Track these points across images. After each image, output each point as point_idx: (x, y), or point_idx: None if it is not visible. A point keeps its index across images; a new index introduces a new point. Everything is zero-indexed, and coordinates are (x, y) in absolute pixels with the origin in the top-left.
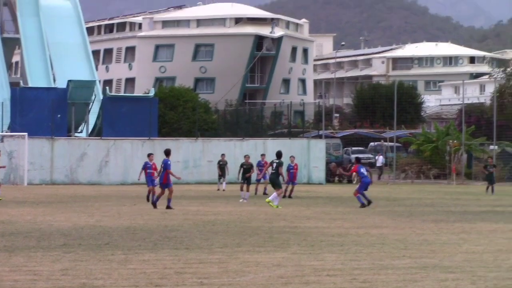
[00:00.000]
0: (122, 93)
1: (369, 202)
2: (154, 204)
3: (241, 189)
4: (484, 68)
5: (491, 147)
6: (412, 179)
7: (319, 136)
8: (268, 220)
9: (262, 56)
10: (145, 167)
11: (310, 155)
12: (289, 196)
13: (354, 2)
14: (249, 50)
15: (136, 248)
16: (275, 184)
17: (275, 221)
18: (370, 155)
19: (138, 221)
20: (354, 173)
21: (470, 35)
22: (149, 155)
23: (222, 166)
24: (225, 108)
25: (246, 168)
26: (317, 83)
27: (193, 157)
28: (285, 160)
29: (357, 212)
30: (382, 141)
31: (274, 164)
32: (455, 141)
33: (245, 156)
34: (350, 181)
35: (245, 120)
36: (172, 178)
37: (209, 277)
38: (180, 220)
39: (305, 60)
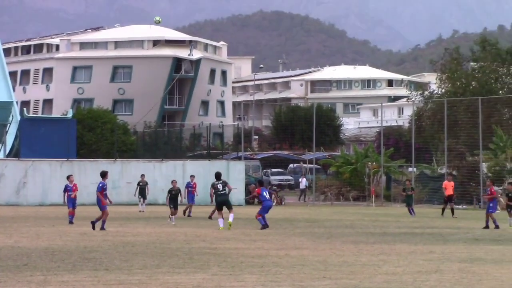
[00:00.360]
0: (40, 114)
1: (266, 226)
2: (102, 228)
3: (171, 214)
4: (402, 91)
5: (410, 169)
6: (332, 201)
7: (239, 158)
8: (188, 241)
9: (180, 78)
10: (66, 189)
11: (229, 176)
12: (189, 215)
13: (272, 25)
14: (167, 72)
15: (55, 269)
16: (228, 205)
17: (195, 242)
18: (289, 177)
19: (57, 242)
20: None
21: (388, 59)
22: (69, 176)
23: (142, 187)
24: (143, 129)
25: (175, 194)
26: (236, 105)
27: (112, 178)
28: (186, 179)
29: (277, 233)
30: (302, 163)
31: (220, 185)
32: (374, 163)
33: (172, 181)
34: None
35: (164, 141)
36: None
37: None
38: (99, 241)
39: (224, 82)
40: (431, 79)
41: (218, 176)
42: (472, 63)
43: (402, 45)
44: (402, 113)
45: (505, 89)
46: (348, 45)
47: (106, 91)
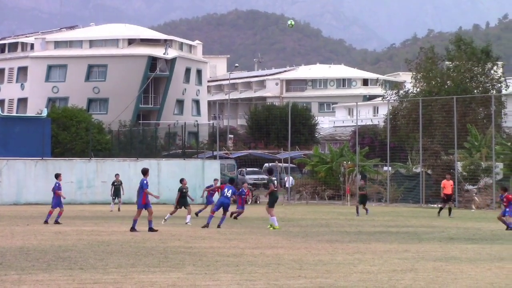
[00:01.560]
0: (14, 113)
1: (206, 226)
2: (133, 228)
3: (172, 213)
4: (377, 90)
5: (385, 168)
6: (307, 200)
7: (214, 157)
8: (163, 241)
9: (155, 77)
10: (59, 188)
11: (204, 175)
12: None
13: (247, 24)
14: (142, 71)
15: (29, 269)
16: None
17: (170, 241)
18: (264, 176)
19: (31, 241)
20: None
21: (363, 58)
22: (58, 175)
23: (117, 187)
24: (118, 128)
25: (185, 192)
26: (211, 104)
27: (87, 177)
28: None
29: (252, 232)
30: (277, 162)
31: (276, 182)
32: (349, 162)
33: (182, 180)
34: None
35: (139, 140)
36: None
37: None
38: (74, 240)
39: (199, 81)
40: (406, 78)
41: (270, 171)
42: (447, 62)
43: (378, 44)
44: (377, 112)
45: (480, 88)
46: (323, 44)
47: (81, 90)
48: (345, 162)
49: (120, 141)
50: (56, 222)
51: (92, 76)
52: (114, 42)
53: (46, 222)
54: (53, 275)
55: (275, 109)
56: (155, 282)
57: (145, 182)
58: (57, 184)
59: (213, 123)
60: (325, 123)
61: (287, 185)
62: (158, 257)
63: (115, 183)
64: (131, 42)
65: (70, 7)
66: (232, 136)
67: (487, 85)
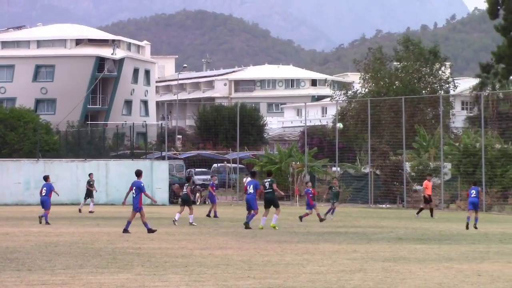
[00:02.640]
0: None
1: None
2: (126, 230)
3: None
4: (326, 90)
5: (334, 168)
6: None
7: (162, 158)
8: (111, 241)
9: (103, 77)
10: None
11: (153, 176)
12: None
13: (196, 24)
14: (90, 71)
15: None
16: (274, 204)
17: (118, 242)
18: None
19: None
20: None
21: (312, 58)
22: (47, 177)
23: (92, 185)
24: (66, 129)
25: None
26: (159, 104)
27: (35, 178)
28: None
29: (201, 233)
30: (225, 162)
31: (267, 183)
32: (298, 163)
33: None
34: (193, 202)
35: (87, 141)
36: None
37: None
38: (22, 241)
39: (147, 82)
40: (355, 78)
41: (269, 174)
42: (395, 63)
43: (326, 45)
44: (326, 113)
45: (428, 89)
46: (272, 44)
47: (28, 90)
48: (293, 163)
49: (68, 142)
50: (47, 222)
51: (40, 77)
52: (62, 42)
53: (47, 223)
54: (0, 276)
55: (224, 109)
56: (104, 283)
57: (142, 184)
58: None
59: (161, 124)
60: (273, 124)
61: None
62: (107, 258)
63: (91, 182)
64: (78, 42)
65: (18, 7)
66: (180, 136)
67: (435, 85)
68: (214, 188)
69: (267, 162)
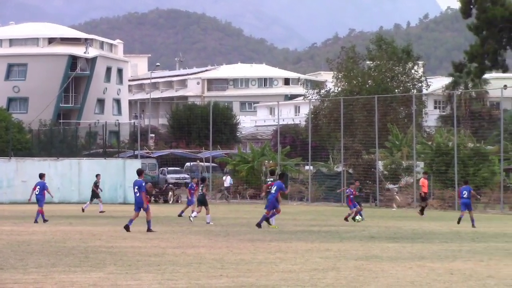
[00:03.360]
0: None
1: (265, 221)
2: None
3: (199, 212)
4: (299, 89)
5: (306, 167)
6: (228, 199)
7: (135, 156)
8: (84, 240)
9: (76, 76)
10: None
11: (125, 175)
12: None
13: (169, 23)
14: (63, 70)
15: None
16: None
17: (91, 241)
18: (186, 175)
19: None
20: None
21: (285, 57)
22: (43, 175)
23: (97, 187)
24: (39, 128)
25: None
26: (132, 103)
27: (7, 177)
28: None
29: (173, 232)
30: (198, 161)
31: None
32: (271, 162)
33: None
34: (166, 201)
35: (59, 140)
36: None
37: None
38: None
39: (120, 81)
40: (328, 77)
41: (272, 173)
42: (368, 62)
43: (299, 44)
44: (299, 112)
45: (401, 88)
46: (244, 43)
47: (0, 89)
48: (266, 161)
49: (40, 141)
50: (45, 220)
51: (12, 75)
52: (34, 41)
53: (45, 220)
54: None
55: (197, 108)
56: (76, 282)
57: (143, 184)
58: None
59: (134, 122)
60: (246, 123)
61: (225, 185)
62: (79, 256)
63: (97, 183)
64: (51, 41)
65: None
66: (153, 135)
67: (408, 84)
68: (192, 191)
69: (240, 161)
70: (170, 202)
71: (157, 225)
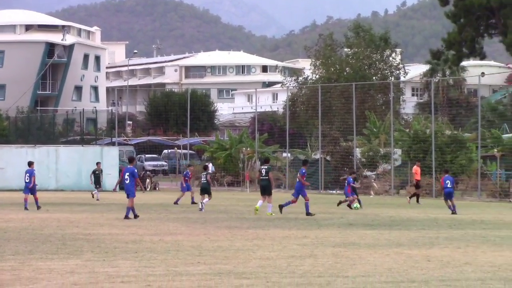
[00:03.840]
0: None
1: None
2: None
3: (202, 199)
4: (277, 77)
5: (284, 154)
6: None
7: (112, 143)
8: (61, 227)
9: (53, 63)
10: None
11: (103, 162)
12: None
13: (146, 10)
14: (40, 57)
15: None
16: (268, 191)
17: (68, 228)
18: (163, 163)
19: None
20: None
21: (262, 44)
22: (32, 163)
23: (97, 175)
24: (16, 115)
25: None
26: (109, 90)
27: None
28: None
29: (151, 219)
30: (176, 148)
31: (263, 170)
32: (249, 149)
33: (205, 166)
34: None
35: (36, 127)
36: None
37: (2, 285)
38: None
39: (98, 68)
40: (306, 65)
41: (266, 160)
42: (346, 49)
43: (277, 31)
44: (277, 99)
45: (379, 75)
46: (222, 30)
47: None
48: (244, 149)
49: (17, 128)
50: (38, 207)
51: None
52: (11, 28)
53: (38, 207)
54: None
55: (174, 95)
56: (53, 269)
57: (135, 170)
58: (31, 171)
59: (111, 110)
60: (224, 110)
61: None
62: (56, 244)
63: (96, 171)
64: (28, 28)
65: None
66: (131, 122)
67: (386, 72)
68: (187, 179)
69: (217, 148)
70: (148, 189)
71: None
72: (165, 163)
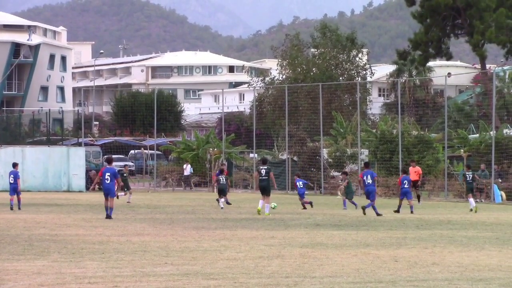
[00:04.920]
0: None
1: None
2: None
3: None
4: (243, 77)
5: (251, 155)
6: (173, 187)
7: (79, 144)
8: (28, 228)
9: (19, 63)
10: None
11: (70, 162)
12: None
13: (112, 10)
14: (6, 57)
15: None
16: (267, 192)
17: (35, 229)
18: (130, 163)
19: None
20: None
21: (229, 45)
22: (16, 164)
23: (125, 178)
24: None
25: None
26: (76, 90)
27: None
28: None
29: (117, 219)
30: (143, 148)
31: (263, 171)
32: (216, 149)
33: (222, 165)
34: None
35: (2, 127)
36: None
37: None
38: None
39: (64, 68)
40: (272, 65)
41: (264, 161)
42: (312, 50)
43: (243, 31)
44: (243, 99)
45: (345, 76)
46: (189, 30)
47: None
48: (211, 149)
49: None
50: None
51: None
52: None
53: (19, 208)
54: None
55: (141, 95)
56: (20, 270)
57: (116, 170)
58: (16, 173)
59: (78, 110)
60: (191, 110)
61: (185, 173)
62: (23, 244)
63: (124, 174)
64: None
65: None
66: (97, 123)
67: (352, 72)
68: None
69: (184, 149)
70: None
71: (102, 213)
72: (132, 164)
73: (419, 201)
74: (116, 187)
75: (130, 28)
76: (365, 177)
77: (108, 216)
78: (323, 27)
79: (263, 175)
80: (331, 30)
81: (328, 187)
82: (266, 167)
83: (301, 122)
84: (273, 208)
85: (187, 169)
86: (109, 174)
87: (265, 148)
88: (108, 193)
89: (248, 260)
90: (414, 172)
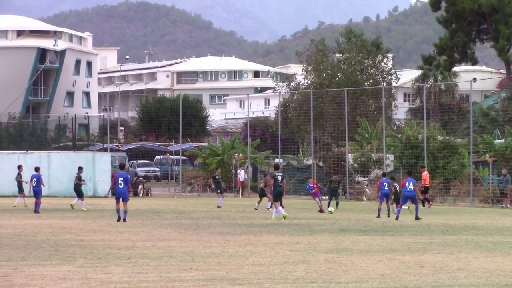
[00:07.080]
0: None
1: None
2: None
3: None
4: (269, 82)
5: (276, 160)
6: (199, 192)
7: (104, 149)
8: (54, 234)
9: (45, 69)
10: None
11: (95, 168)
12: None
13: (138, 15)
14: (32, 62)
15: None
16: (281, 197)
17: (61, 234)
18: (156, 168)
19: None
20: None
21: (254, 50)
22: (38, 168)
23: (218, 180)
24: (8, 121)
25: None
26: (101, 96)
27: None
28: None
29: (143, 225)
30: (168, 154)
31: (280, 177)
32: (241, 155)
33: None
34: (136, 194)
35: (28, 133)
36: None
37: None
38: None
39: (89, 73)
40: (297, 70)
41: (277, 167)
42: (337, 55)
43: (269, 36)
44: (269, 105)
45: (370, 81)
46: (214, 36)
47: None
48: (236, 154)
49: (9, 134)
50: (37, 211)
51: None
52: (3, 33)
53: (36, 211)
54: None
55: (166, 101)
56: (46, 275)
57: (129, 176)
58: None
59: (103, 115)
60: (216, 115)
61: (240, 179)
62: (49, 250)
63: (216, 177)
64: (20, 33)
65: None
66: (123, 128)
67: (378, 77)
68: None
69: (209, 154)
70: (140, 195)
71: (127, 219)
72: (157, 169)
73: (423, 205)
74: (129, 192)
75: (156, 34)
76: (407, 184)
77: (121, 219)
78: (348, 32)
79: (279, 181)
80: (356, 35)
81: (354, 192)
82: (281, 174)
83: (326, 127)
84: (330, 213)
85: (241, 175)
86: (122, 179)
87: (290, 153)
88: (123, 197)
89: (274, 266)
90: (423, 178)
